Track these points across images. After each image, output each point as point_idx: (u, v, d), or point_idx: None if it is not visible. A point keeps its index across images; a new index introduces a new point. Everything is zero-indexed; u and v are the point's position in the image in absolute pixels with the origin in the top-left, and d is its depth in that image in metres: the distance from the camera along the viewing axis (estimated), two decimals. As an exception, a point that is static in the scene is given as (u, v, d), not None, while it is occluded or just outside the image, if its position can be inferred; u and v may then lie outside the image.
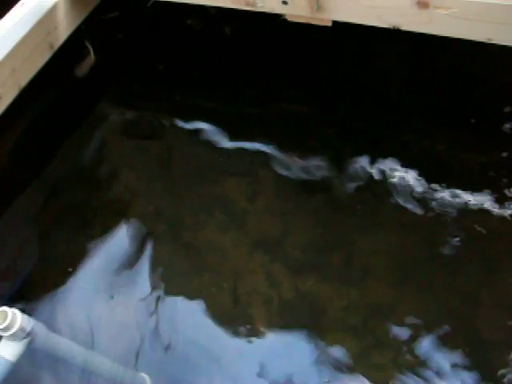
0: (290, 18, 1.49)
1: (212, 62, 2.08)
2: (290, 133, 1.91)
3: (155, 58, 2.11)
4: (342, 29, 1.51)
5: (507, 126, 1.83)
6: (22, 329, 1.11)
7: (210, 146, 1.89)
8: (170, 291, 1.59)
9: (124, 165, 1.87)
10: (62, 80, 1.83)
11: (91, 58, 1.93)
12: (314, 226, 1.70)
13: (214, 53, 2.08)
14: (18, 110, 1.59)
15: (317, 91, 2.01)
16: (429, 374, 1.41)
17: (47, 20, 1.57)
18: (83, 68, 1.88)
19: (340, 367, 1.43)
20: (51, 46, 1.62)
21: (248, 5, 1.47)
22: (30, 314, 1.18)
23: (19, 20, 1.50)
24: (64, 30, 1.65)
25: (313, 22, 1.45)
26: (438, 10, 1.15)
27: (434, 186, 1.73)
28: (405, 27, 1.27)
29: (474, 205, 1.68)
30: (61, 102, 1.83)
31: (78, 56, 1.86)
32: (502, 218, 1.64)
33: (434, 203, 1.70)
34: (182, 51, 2.11)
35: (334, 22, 1.44)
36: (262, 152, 1.87)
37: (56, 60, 1.68)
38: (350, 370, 1.43)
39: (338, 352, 1.46)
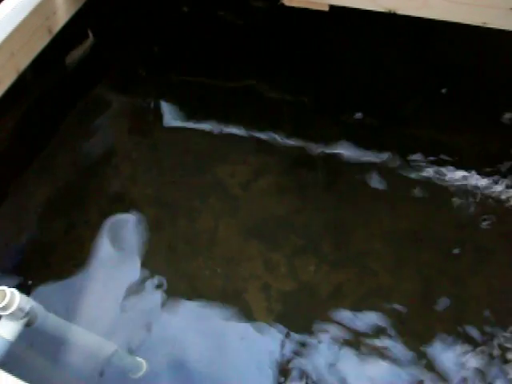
0: (287, 3, 1.49)
1: (207, 48, 2.08)
2: (285, 121, 1.92)
3: (152, 42, 2.11)
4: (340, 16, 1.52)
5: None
6: (20, 308, 1.13)
7: (206, 132, 1.90)
8: (165, 276, 1.61)
9: (120, 150, 1.88)
10: (61, 65, 1.83)
11: (89, 43, 1.93)
12: (310, 211, 1.71)
13: (210, 39, 2.08)
14: (17, 95, 1.59)
15: (313, 79, 2.01)
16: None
17: (46, 5, 1.57)
18: (75, 55, 1.88)
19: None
20: (50, 31, 1.62)
21: (246, -11, 1.47)
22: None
23: (18, 4, 1.51)
24: (63, 14, 1.66)
25: (310, 7, 1.46)
26: (433, -6, 1.16)
27: (439, 169, 1.75)
28: (401, 11, 1.28)
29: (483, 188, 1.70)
30: (59, 86, 1.83)
31: (76, 41, 1.86)
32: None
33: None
34: (179, 35, 2.11)
35: (332, 8, 1.44)
36: (257, 139, 1.88)
37: (55, 45, 1.68)
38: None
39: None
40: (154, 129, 1.95)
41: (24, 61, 1.55)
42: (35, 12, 1.54)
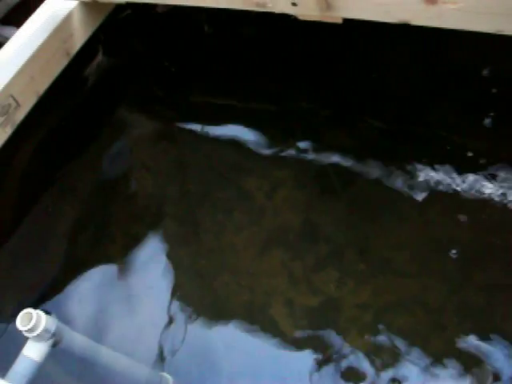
0: (301, 17, 1.50)
1: (225, 63, 2.10)
2: (303, 132, 1.92)
3: (170, 60, 2.13)
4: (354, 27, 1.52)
5: None
6: (46, 330, 1.15)
7: (227, 145, 1.91)
8: (190, 292, 1.61)
9: (142, 168, 1.89)
10: (80, 86, 1.86)
11: (99, 58, 1.95)
12: (334, 224, 1.71)
13: (227, 53, 2.09)
14: (38, 118, 1.62)
15: (331, 90, 2.01)
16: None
17: (63, 28, 1.60)
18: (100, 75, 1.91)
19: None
20: (68, 54, 1.65)
21: (258, 6, 1.48)
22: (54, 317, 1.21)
23: (36, 29, 1.54)
24: (80, 36, 1.69)
25: (324, 20, 1.46)
26: (446, 5, 1.15)
27: (452, 175, 1.74)
28: (414, 22, 1.27)
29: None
30: (78, 108, 1.86)
31: (95, 62, 1.89)
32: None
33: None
34: (196, 52, 2.13)
35: (345, 20, 1.45)
36: (281, 151, 1.88)
37: (73, 67, 1.71)
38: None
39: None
40: (175, 146, 1.96)
41: (43, 84, 1.58)
42: (53, 35, 1.57)
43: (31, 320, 1.12)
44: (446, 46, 1.88)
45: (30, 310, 1.14)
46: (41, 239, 1.72)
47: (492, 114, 1.83)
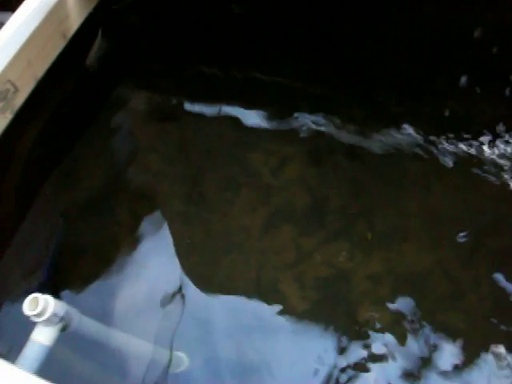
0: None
1: (225, 38, 2.06)
2: (307, 106, 1.89)
3: (171, 38, 2.10)
4: None
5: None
6: (55, 314, 1.14)
7: (231, 123, 1.89)
8: (199, 271, 1.61)
9: (146, 147, 1.87)
10: (79, 68, 1.84)
11: (108, 44, 1.92)
12: (343, 196, 1.69)
13: (226, 28, 2.05)
14: (38, 102, 1.61)
15: (334, 61, 1.97)
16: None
17: (58, 10, 1.57)
18: (99, 56, 1.88)
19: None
20: (64, 36, 1.63)
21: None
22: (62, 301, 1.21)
23: (31, 13, 1.51)
24: (76, 18, 1.66)
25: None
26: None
27: (473, 146, 1.71)
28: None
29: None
30: (79, 89, 1.84)
31: (93, 43, 1.86)
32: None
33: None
34: (197, 31, 2.10)
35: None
36: (286, 126, 1.86)
37: (70, 49, 1.69)
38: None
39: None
40: (179, 123, 1.94)
41: (41, 68, 1.56)
42: (48, 18, 1.54)
43: (38, 305, 1.11)
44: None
45: (37, 294, 1.14)
46: (46, 223, 1.71)
47: (498, 81, 1.80)
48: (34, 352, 1.14)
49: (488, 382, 1.35)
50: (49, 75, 1.59)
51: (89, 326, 1.26)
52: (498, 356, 1.35)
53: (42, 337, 1.14)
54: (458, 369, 1.38)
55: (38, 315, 1.12)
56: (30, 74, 1.52)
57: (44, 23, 1.53)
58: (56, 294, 1.50)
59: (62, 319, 1.16)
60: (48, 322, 1.14)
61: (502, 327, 1.42)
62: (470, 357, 1.39)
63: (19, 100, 1.50)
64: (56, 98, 1.73)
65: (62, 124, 1.82)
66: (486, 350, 1.39)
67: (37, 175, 1.77)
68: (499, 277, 1.48)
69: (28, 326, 1.16)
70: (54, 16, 1.56)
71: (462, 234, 1.56)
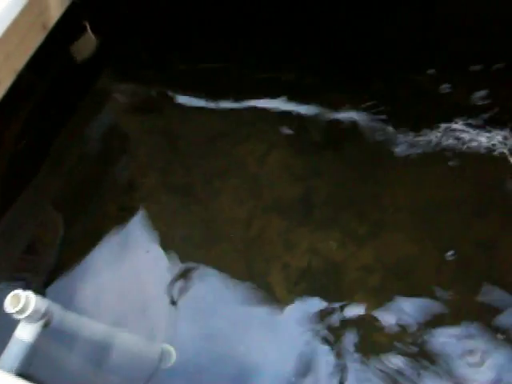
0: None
1: (210, 31, 2.04)
2: (290, 91, 1.87)
3: (155, 29, 2.08)
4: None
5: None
6: (36, 310, 1.13)
7: (216, 114, 1.87)
8: (188, 263, 1.59)
9: (131, 139, 1.86)
10: (61, 59, 1.81)
11: (90, 37, 1.90)
12: (329, 185, 1.68)
13: (212, 21, 2.03)
14: (20, 94, 1.59)
15: (317, 47, 1.95)
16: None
17: (37, 0, 1.55)
18: (82, 50, 1.86)
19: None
20: (44, 27, 1.60)
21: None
22: (50, 296, 1.20)
23: (8, 4, 1.49)
24: (56, 8, 1.63)
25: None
26: None
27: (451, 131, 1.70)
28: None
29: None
30: (62, 81, 1.81)
31: (74, 34, 1.83)
32: None
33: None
34: (181, 21, 2.07)
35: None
36: (272, 116, 1.84)
37: (52, 40, 1.66)
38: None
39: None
40: (164, 113, 1.92)
41: (21, 60, 1.54)
42: (27, 9, 1.52)
43: (19, 301, 1.10)
44: None
45: (18, 291, 1.13)
46: (32, 215, 1.70)
47: (490, 62, 1.78)
48: (16, 349, 1.13)
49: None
50: (30, 67, 1.57)
51: (73, 321, 1.25)
52: None
53: (25, 334, 1.13)
54: (446, 358, 1.37)
55: (20, 312, 1.11)
56: (10, 67, 1.50)
57: (23, 14, 1.50)
58: (41, 289, 1.51)
59: (44, 315, 1.15)
60: (30, 318, 1.13)
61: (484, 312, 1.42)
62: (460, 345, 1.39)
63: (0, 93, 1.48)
64: (39, 89, 1.71)
65: (46, 115, 1.80)
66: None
67: (22, 168, 1.75)
68: (484, 266, 1.47)
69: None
70: (33, 7, 1.54)
71: (448, 225, 1.55)
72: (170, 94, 1.93)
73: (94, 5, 1.86)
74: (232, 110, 1.86)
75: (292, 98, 1.84)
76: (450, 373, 1.33)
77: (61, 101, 1.83)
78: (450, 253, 1.48)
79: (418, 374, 1.34)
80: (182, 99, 1.91)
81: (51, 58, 1.70)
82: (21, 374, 1.11)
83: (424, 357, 1.37)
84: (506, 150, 1.62)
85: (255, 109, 1.85)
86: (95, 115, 1.90)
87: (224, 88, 1.91)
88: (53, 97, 1.79)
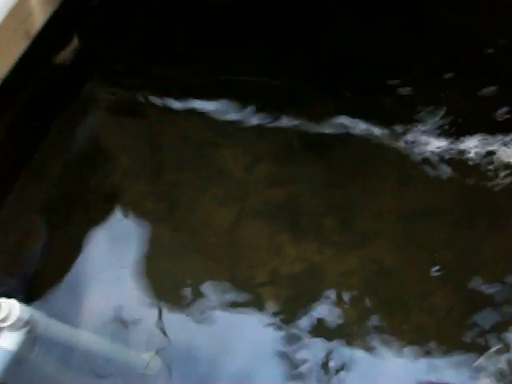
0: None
1: (195, 36, 2.04)
2: (277, 102, 1.88)
3: (139, 35, 2.08)
4: None
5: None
6: (19, 319, 1.12)
7: (201, 120, 1.87)
8: (171, 268, 1.59)
9: (115, 146, 1.85)
10: (45, 66, 1.81)
11: (75, 43, 1.90)
12: (313, 192, 1.68)
13: (197, 26, 2.03)
14: (2, 102, 1.58)
15: (305, 56, 1.96)
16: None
17: (20, 8, 1.54)
18: (66, 54, 1.85)
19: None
20: (27, 34, 1.60)
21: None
22: (33, 303, 1.19)
23: (-10, 11, 1.48)
24: (39, 16, 1.63)
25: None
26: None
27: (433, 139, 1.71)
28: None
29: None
30: (46, 88, 1.81)
31: (59, 41, 1.83)
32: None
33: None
34: (165, 26, 2.08)
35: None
36: (256, 122, 1.84)
37: (36, 47, 1.66)
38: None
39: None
40: (149, 121, 1.92)
41: (4, 67, 1.53)
42: (10, 16, 1.51)
43: (2, 310, 1.09)
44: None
45: (1, 299, 1.12)
46: (16, 223, 1.69)
47: (474, 71, 1.81)
48: (-1, 358, 1.11)
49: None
50: (13, 74, 1.57)
51: (57, 329, 1.24)
52: None
53: (7, 342, 1.12)
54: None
55: (3, 320, 1.10)
56: (-8, 73, 1.49)
57: (4, 22, 1.49)
58: (24, 296, 1.50)
59: (27, 323, 1.14)
60: (13, 326, 1.12)
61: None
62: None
63: (-18, 101, 1.47)
64: (22, 97, 1.70)
65: (29, 123, 1.79)
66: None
67: (5, 175, 1.74)
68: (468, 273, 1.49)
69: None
70: (15, 14, 1.53)
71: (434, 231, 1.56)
72: (155, 100, 1.93)
73: (78, 12, 1.86)
74: (217, 116, 1.87)
75: (277, 105, 1.85)
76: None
77: (44, 108, 1.83)
78: (434, 260, 1.50)
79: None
80: (167, 106, 1.91)
81: (35, 65, 1.70)
82: (3, 383, 1.10)
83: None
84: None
85: (240, 115, 1.86)
86: (79, 122, 1.90)
87: (207, 94, 1.92)
88: (36, 104, 1.78)
